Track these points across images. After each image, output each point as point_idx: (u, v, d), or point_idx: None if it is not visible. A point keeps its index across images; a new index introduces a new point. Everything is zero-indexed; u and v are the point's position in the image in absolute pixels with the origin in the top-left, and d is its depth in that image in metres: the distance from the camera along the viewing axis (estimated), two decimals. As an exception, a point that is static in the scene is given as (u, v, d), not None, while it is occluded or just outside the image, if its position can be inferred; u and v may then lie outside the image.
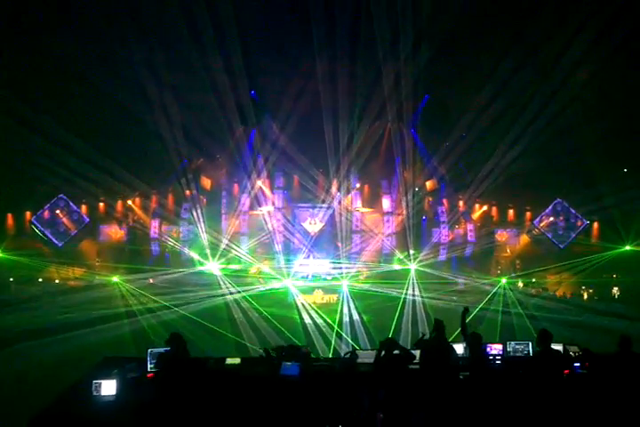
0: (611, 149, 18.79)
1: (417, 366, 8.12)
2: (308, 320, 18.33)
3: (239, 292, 19.23)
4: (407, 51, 18.81)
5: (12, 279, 19.63)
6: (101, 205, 23.13)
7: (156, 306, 17.90)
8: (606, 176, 19.44)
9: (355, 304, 19.25)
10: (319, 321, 18.14)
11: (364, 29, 18.01)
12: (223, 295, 19.11)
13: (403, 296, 19.28)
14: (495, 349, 9.22)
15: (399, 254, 22.00)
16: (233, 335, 16.66)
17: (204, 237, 21.48)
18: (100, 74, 17.92)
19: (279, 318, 18.04)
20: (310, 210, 23.82)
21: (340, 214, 23.22)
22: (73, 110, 18.57)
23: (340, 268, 21.49)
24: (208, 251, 21.16)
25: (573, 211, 22.91)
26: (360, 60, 18.97)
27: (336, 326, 17.81)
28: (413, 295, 19.42)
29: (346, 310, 19.04)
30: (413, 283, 20.01)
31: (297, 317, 18.67)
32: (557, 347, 8.43)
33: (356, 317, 18.65)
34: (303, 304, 19.41)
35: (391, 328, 17.22)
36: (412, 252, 21.29)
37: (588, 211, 22.32)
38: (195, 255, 21.62)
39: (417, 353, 8.22)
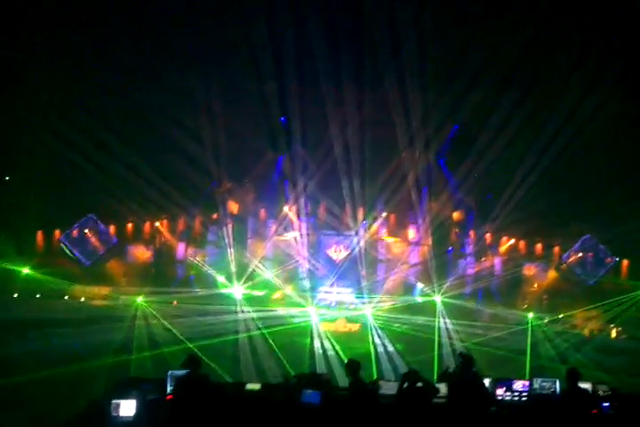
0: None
1: (442, 400, 7.99)
2: (330, 351, 18.15)
3: (259, 328, 19.03)
4: (438, 80, 18.89)
5: (38, 296, 19.82)
6: (129, 225, 23.36)
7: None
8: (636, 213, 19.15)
9: (384, 333, 19.09)
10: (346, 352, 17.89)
11: (394, 58, 18.15)
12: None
13: (435, 323, 19.12)
14: (521, 385, 9.04)
15: (424, 285, 21.77)
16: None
17: (231, 261, 21.51)
18: (137, 94, 18.29)
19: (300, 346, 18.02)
20: (336, 237, 23.76)
21: (366, 243, 23.16)
22: (103, 128, 18.79)
23: (363, 297, 21.34)
24: (234, 274, 21.16)
25: (602, 247, 22.59)
26: (390, 88, 19.06)
27: (373, 358, 17.64)
28: (445, 324, 19.26)
29: (377, 340, 18.85)
30: (442, 314, 19.79)
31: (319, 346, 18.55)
32: (585, 386, 8.26)
33: (390, 348, 18.46)
34: (324, 333, 19.25)
35: (435, 360, 17.10)
36: (435, 283, 21.04)
37: (618, 248, 21.98)
38: (220, 278, 21.62)
39: (441, 387, 8.10)
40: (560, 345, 18.93)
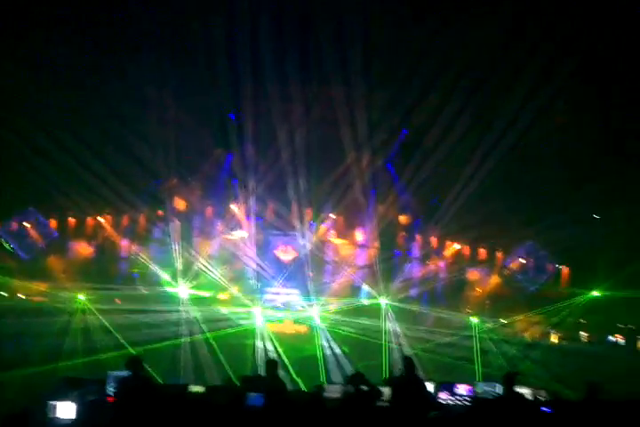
0: (584, 193, 19.12)
1: (386, 404, 8.03)
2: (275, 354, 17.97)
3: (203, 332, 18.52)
4: (389, 83, 19.03)
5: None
6: (71, 220, 22.77)
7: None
8: (578, 220, 19.71)
9: (330, 336, 19.05)
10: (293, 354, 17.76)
11: (346, 59, 18.18)
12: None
13: (382, 326, 19.12)
14: (462, 389, 9.15)
15: (370, 288, 21.88)
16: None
17: (176, 259, 21.17)
18: (84, 86, 17.86)
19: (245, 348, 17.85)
20: (283, 238, 23.68)
21: (314, 244, 23.16)
22: (48, 118, 18.27)
23: (311, 298, 21.32)
24: (179, 273, 20.84)
25: (544, 253, 23.15)
26: (342, 89, 19.10)
27: (320, 361, 17.55)
28: (393, 328, 19.31)
29: (325, 343, 18.77)
30: (389, 316, 19.89)
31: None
32: (524, 391, 8.42)
33: (337, 350, 18.40)
34: (271, 335, 19.10)
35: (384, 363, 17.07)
36: (382, 286, 21.17)
37: (559, 255, 22.58)
38: (165, 276, 21.25)
39: (385, 390, 8.14)
40: (508, 352, 19.05)
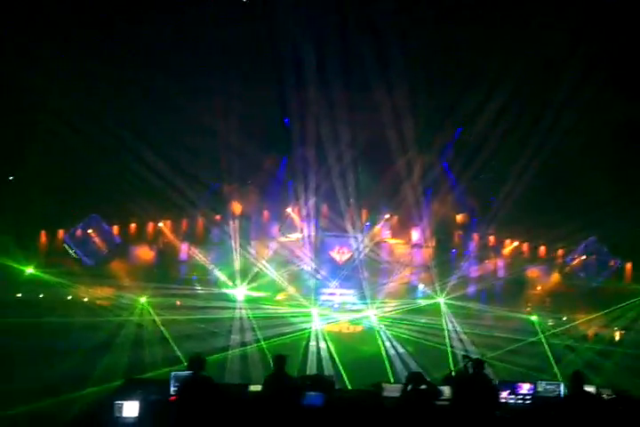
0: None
1: (445, 403, 7.98)
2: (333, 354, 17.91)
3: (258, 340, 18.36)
4: (441, 82, 18.88)
5: (41, 295, 19.82)
6: (133, 226, 23.36)
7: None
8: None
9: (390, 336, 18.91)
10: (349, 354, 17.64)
11: (399, 60, 18.13)
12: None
13: (443, 327, 18.87)
14: (524, 388, 9.01)
15: (426, 288, 21.72)
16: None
17: (234, 262, 21.50)
18: (141, 94, 18.29)
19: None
20: (339, 239, 23.71)
21: (369, 245, 23.14)
22: (107, 127, 18.76)
23: (366, 299, 21.31)
24: (237, 275, 21.14)
25: (606, 250, 22.58)
26: (395, 89, 19.02)
27: (386, 361, 17.40)
28: (454, 327, 18.99)
29: (387, 343, 18.58)
30: (448, 316, 19.62)
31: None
32: (589, 389, 8.24)
33: (400, 349, 18.21)
34: (327, 335, 19.10)
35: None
36: (438, 285, 20.97)
37: (622, 250, 21.96)
38: (223, 277, 21.58)
39: (445, 389, 8.10)
40: (584, 354, 18.42)
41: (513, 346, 18.12)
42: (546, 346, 18.44)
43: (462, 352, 17.55)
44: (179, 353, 16.28)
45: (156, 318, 18.34)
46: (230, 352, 17.22)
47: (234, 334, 18.51)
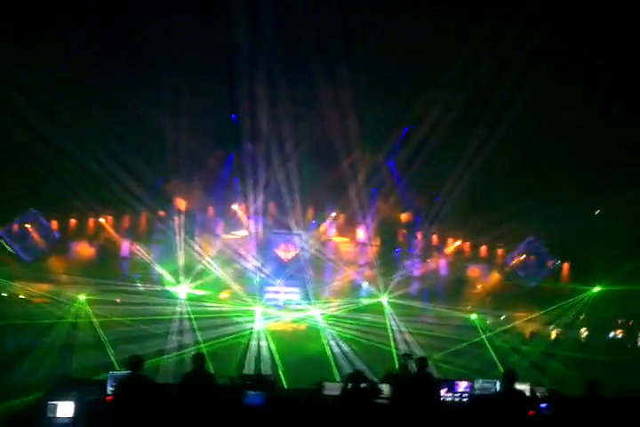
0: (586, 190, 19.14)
1: (384, 401, 8.06)
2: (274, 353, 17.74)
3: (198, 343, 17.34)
4: (390, 80, 19.03)
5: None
6: (72, 221, 22.81)
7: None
8: (578, 217, 19.72)
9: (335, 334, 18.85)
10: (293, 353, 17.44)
11: (348, 56, 18.18)
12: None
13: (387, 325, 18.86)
14: (462, 386, 9.17)
15: (370, 286, 21.87)
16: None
17: (178, 259, 21.20)
18: (85, 86, 17.88)
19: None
20: (285, 237, 23.70)
21: (315, 242, 23.20)
22: (49, 119, 18.22)
23: (310, 297, 21.34)
24: (181, 272, 20.85)
25: (545, 250, 23.20)
26: (342, 87, 19.09)
27: (332, 360, 17.24)
28: (398, 327, 19.07)
29: (332, 342, 18.45)
30: (391, 314, 19.74)
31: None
32: (523, 387, 8.43)
33: (345, 348, 18.15)
34: (271, 333, 18.96)
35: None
36: (382, 283, 21.12)
37: (559, 251, 22.62)
38: (166, 275, 21.24)
39: (384, 387, 8.18)
40: (529, 353, 18.31)
41: (456, 347, 17.98)
42: (489, 347, 18.43)
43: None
44: (112, 358, 15.27)
45: (94, 319, 17.54)
46: (166, 357, 16.11)
47: (173, 336, 17.83)
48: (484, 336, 18.93)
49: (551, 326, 20.69)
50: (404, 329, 19.12)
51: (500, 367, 16.04)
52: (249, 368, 15.52)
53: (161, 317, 18.33)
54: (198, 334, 17.70)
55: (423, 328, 19.18)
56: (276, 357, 17.19)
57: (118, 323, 17.38)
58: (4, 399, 9.66)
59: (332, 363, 17.17)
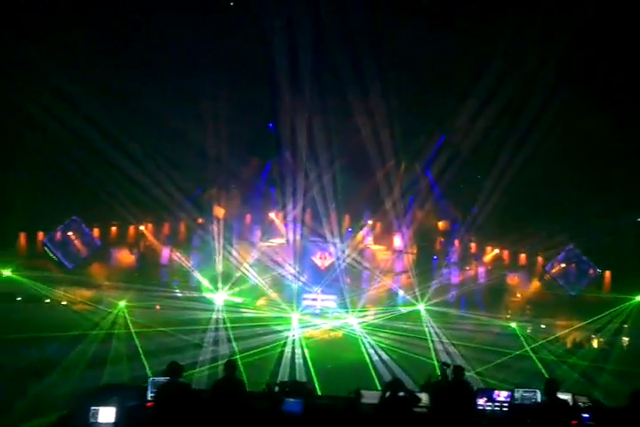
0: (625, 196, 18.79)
1: (423, 410, 8.01)
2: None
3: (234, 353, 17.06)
4: (426, 90, 19.01)
5: (19, 299, 19.57)
6: (114, 229, 23.23)
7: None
8: (619, 224, 19.36)
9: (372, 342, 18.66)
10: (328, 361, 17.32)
11: (383, 67, 18.25)
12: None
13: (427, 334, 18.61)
14: (502, 395, 9.06)
15: (407, 294, 21.74)
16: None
17: (216, 267, 21.42)
18: (124, 97, 18.23)
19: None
20: (321, 244, 23.72)
21: (351, 250, 23.18)
22: (90, 129, 18.63)
23: (347, 305, 21.31)
24: (219, 280, 21.04)
25: (585, 258, 22.79)
26: (379, 96, 19.14)
27: (371, 367, 17.01)
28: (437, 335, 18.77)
29: (370, 350, 18.21)
30: (429, 322, 19.50)
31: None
32: (566, 397, 8.30)
33: (384, 356, 17.93)
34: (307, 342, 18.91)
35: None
36: (419, 291, 20.96)
37: (601, 259, 22.21)
38: (204, 282, 21.45)
39: (423, 396, 8.13)
40: (577, 364, 17.87)
41: (502, 359, 17.58)
42: (535, 359, 17.99)
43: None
44: (147, 371, 14.77)
45: (132, 328, 17.57)
46: (199, 369, 15.81)
47: (209, 346, 17.79)
48: (528, 348, 18.43)
49: (593, 336, 20.27)
50: (444, 339, 18.78)
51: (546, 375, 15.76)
52: (284, 376, 15.47)
53: (197, 326, 18.29)
54: (234, 344, 17.61)
55: (463, 336, 18.93)
56: (311, 364, 17.11)
57: (157, 332, 17.42)
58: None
59: (372, 371, 16.99)
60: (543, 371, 16.90)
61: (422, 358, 17.28)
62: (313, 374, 16.30)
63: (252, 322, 19.08)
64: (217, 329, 18.63)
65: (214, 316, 19.26)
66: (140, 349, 16.41)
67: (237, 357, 16.23)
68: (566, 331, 20.08)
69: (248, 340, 17.72)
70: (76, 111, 18.08)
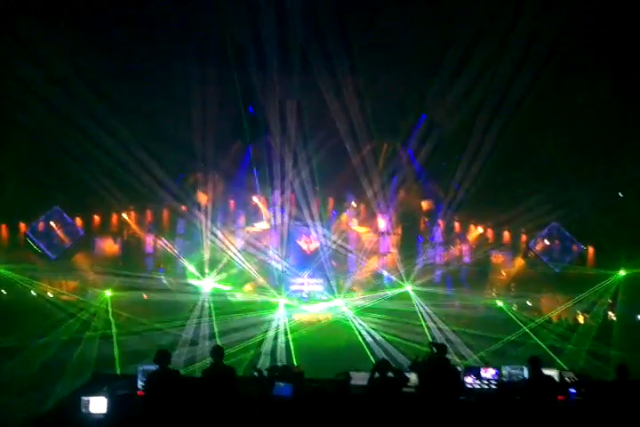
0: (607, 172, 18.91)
1: (412, 390, 8.08)
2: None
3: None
4: (406, 68, 18.93)
5: (4, 292, 19.40)
6: (96, 217, 23.08)
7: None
8: (601, 200, 19.49)
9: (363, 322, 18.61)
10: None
11: (363, 46, 18.14)
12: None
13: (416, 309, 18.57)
14: (489, 373, 9.13)
15: (393, 275, 21.81)
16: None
17: (200, 252, 21.36)
18: (102, 82, 17.99)
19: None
20: (306, 228, 23.72)
21: (336, 233, 23.22)
22: (68, 119, 18.38)
23: (333, 289, 21.35)
24: (206, 265, 20.99)
25: (569, 234, 22.99)
26: (358, 77, 19.05)
27: (366, 348, 16.84)
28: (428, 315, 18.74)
29: (363, 331, 18.07)
30: (418, 302, 19.53)
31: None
32: (551, 372, 8.40)
33: (378, 337, 17.87)
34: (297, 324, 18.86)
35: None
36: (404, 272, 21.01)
37: (584, 235, 22.40)
38: (191, 267, 21.38)
39: (412, 376, 8.18)
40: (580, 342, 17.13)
41: (497, 346, 16.63)
42: (537, 339, 17.01)
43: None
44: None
45: (113, 327, 16.36)
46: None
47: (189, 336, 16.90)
48: (526, 328, 18.18)
49: (578, 311, 20.42)
50: (437, 320, 18.52)
51: (559, 361, 14.99)
52: (279, 360, 15.43)
53: (179, 322, 17.51)
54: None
55: (451, 314, 18.93)
56: (303, 349, 17.04)
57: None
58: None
59: (368, 352, 16.95)
60: (550, 352, 15.90)
61: (414, 337, 17.13)
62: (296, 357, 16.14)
63: (239, 309, 18.90)
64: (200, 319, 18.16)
65: (199, 304, 18.97)
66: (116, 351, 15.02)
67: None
68: (560, 309, 20.01)
69: (239, 332, 17.29)
70: (53, 100, 17.84)
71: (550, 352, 15.76)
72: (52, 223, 22.25)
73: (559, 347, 16.48)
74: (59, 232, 22.27)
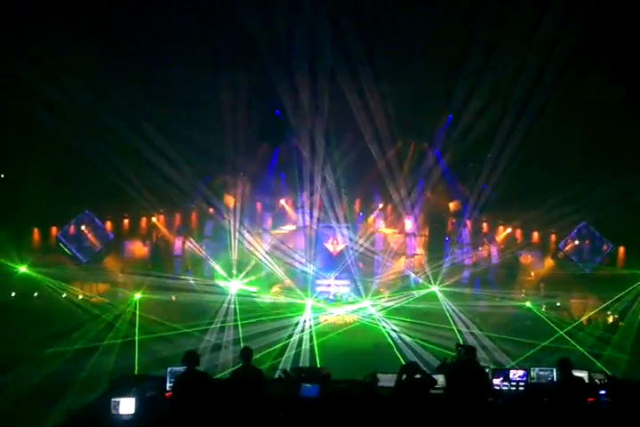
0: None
1: (439, 391, 8.04)
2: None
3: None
4: (432, 70, 18.87)
5: (36, 294, 19.72)
6: (126, 221, 23.38)
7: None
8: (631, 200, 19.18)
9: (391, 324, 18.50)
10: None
11: (389, 49, 18.12)
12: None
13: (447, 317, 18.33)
14: (518, 375, 9.06)
15: (420, 276, 21.69)
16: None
17: (232, 255, 21.51)
18: (130, 89, 18.20)
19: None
20: (332, 230, 23.72)
21: (363, 235, 23.18)
22: (99, 124, 18.67)
23: (361, 289, 21.31)
24: (233, 267, 21.14)
25: (599, 234, 22.66)
26: (385, 79, 19.02)
27: (395, 349, 16.70)
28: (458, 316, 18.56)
29: (392, 333, 17.97)
30: (446, 302, 19.37)
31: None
32: (582, 374, 8.29)
33: (407, 339, 17.72)
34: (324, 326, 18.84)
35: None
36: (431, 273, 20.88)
37: (614, 235, 22.06)
38: (219, 269, 21.53)
39: (439, 378, 8.14)
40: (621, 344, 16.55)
41: (533, 351, 16.01)
42: (573, 343, 16.45)
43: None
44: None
45: (137, 331, 16.00)
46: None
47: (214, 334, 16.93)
48: (561, 332, 17.72)
49: (608, 312, 20.06)
50: (469, 323, 18.25)
51: (598, 364, 14.40)
52: (304, 362, 15.42)
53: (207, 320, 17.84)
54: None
55: (480, 315, 18.78)
56: (331, 350, 17.00)
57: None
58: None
59: (397, 353, 16.83)
60: (592, 358, 15.13)
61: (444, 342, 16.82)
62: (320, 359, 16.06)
63: (266, 312, 18.87)
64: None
65: (226, 305, 19.00)
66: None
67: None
68: (593, 312, 19.58)
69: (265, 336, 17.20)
70: (83, 105, 18.13)
71: (592, 358, 15.02)
72: (82, 227, 22.54)
73: (598, 352, 15.76)
74: (89, 236, 22.56)
